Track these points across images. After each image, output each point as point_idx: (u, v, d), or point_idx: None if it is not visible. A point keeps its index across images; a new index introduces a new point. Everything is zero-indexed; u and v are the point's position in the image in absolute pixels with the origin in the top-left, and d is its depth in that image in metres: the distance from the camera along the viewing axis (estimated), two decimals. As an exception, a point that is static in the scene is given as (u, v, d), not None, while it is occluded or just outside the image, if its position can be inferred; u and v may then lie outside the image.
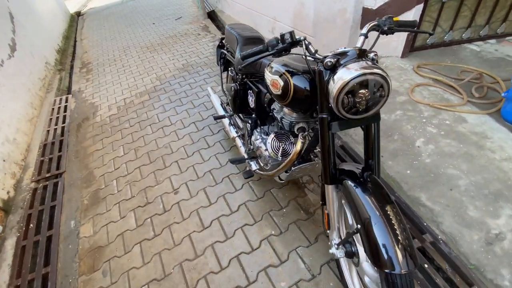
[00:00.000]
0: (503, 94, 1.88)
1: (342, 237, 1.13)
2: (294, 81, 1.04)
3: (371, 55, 0.86)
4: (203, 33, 4.82)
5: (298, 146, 1.17)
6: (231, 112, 1.91)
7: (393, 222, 0.80)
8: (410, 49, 2.74)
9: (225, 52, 1.96)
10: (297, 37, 0.97)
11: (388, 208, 0.84)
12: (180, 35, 4.92)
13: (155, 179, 2.05)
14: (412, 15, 2.44)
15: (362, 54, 0.85)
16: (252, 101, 1.53)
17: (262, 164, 1.52)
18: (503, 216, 1.34)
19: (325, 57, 0.92)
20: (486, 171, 1.54)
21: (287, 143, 1.30)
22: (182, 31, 5.07)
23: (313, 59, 0.98)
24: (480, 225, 1.33)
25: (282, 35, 0.98)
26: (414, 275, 1.21)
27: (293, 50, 1.01)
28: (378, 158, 0.97)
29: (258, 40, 1.70)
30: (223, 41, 2.11)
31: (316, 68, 0.93)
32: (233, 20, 4.84)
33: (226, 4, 5.17)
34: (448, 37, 2.80)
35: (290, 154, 1.26)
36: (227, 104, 2.21)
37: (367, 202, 0.85)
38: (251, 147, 1.64)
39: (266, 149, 1.40)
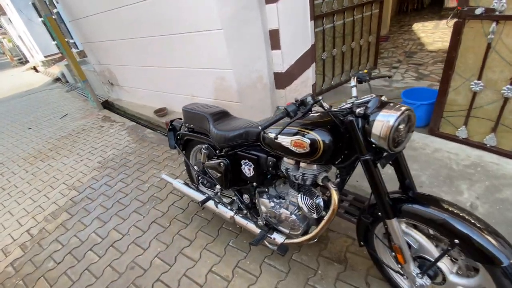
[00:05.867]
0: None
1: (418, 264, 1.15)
2: (320, 136, 1.11)
3: (383, 98, 1.06)
4: (107, 124, 4.36)
5: (335, 195, 1.19)
6: (217, 190, 1.75)
7: (474, 222, 0.93)
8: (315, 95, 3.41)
9: (185, 132, 1.87)
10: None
11: (458, 211, 0.97)
12: (77, 132, 4.26)
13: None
14: (310, 71, 3.12)
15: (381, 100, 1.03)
16: (250, 170, 1.47)
17: (287, 231, 1.43)
18: (464, 191, 1.76)
19: (349, 108, 1.06)
20: (431, 164, 2.01)
21: (314, 198, 1.31)
22: (77, 129, 4.42)
23: (330, 112, 1.10)
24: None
25: (302, 100, 1.07)
26: None
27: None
28: (411, 177, 1.13)
29: (223, 113, 1.73)
30: (174, 123, 2.02)
31: (345, 119, 1.04)
32: (137, 106, 4.66)
33: (124, 92, 4.99)
34: (334, 81, 3.70)
35: (327, 208, 1.26)
36: (198, 184, 2.01)
37: (444, 215, 0.96)
38: (264, 217, 1.52)
39: (292, 213, 1.35)
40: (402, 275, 1.21)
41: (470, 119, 2.10)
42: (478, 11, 1.68)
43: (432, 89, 2.57)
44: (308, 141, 1.12)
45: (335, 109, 1.12)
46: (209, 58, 2.98)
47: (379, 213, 1.17)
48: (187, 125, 1.83)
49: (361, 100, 1.06)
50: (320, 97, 1.09)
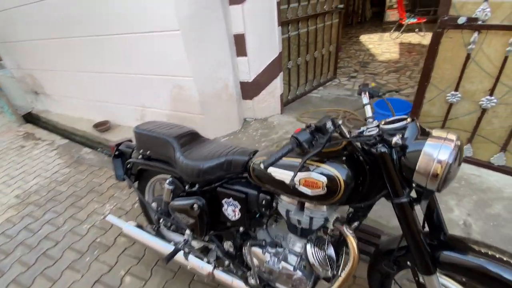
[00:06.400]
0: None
1: None
2: (338, 170, 0.83)
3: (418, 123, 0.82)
4: (30, 142, 3.49)
5: (355, 243, 0.92)
6: (186, 237, 1.33)
7: None
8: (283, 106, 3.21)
9: (139, 161, 1.42)
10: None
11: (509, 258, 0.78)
12: (-14, 156, 3.29)
13: None
14: (278, 81, 2.90)
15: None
16: (236, 211, 1.12)
17: (291, 291, 1.10)
18: (454, 207, 1.68)
19: (378, 136, 0.79)
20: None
21: (325, 247, 1.01)
22: (-14, 151, 3.43)
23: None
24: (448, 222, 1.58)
25: (318, 126, 0.78)
26: None
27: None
28: (442, 215, 0.92)
29: (192, 135, 1.35)
30: (121, 148, 1.55)
31: (374, 149, 0.78)
32: (71, 119, 3.86)
33: (53, 102, 4.11)
34: (298, 91, 3.55)
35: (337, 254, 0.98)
36: (158, 226, 1.55)
37: (501, 268, 0.75)
38: (256, 271, 1.17)
39: (296, 268, 1.03)
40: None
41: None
42: (460, 21, 1.63)
43: (404, 100, 2.57)
44: (324, 180, 0.83)
45: (354, 135, 0.86)
46: (164, 64, 2.52)
47: (408, 262, 0.94)
48: (141, 151, 1.39)
49: (391, 125, 0.80)
50: (339, 121, 0.81)
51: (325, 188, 0.83)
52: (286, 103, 3.33)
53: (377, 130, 0.82)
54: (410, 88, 3.67)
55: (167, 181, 1.28)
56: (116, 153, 1.54)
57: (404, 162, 0.76)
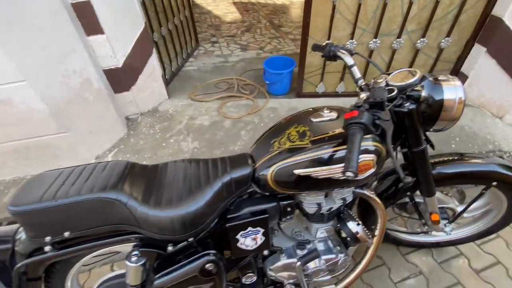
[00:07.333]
0: (266, 81, 2.59)
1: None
2: (372, 139, 0.79)
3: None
4: None
5: (382, 205, 0.95)
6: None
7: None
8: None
9: (45, 256, 0.79)
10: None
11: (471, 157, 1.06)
12: None
13: None
14: (154, 59, 2.36)
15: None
16: (257, 238, 0.87)
17: (329, 277, 1.02)
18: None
19: (404, 94, 0.77)
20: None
21: (355, 217, 0.97)
22: None
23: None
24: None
25: (377, 102, 0.67)
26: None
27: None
28: None
29: (134, 168, 0.87)
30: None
31: (405, 109, 0.77)
32: None
33: None
34: (173, 67, 3.08)
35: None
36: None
37: (470, 167, 1.01)
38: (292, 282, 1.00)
39: (335, 252, 0.96)
40: (425, 232, 1.25)
41: (325, 75, 2.46)
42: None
43: (287, 57, 2.75)
44: (373, 156, 0.76)
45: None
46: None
47: (408, 192, 1.09)
48: (48, 239, 0.75)
49: (406, 82, 0.79)
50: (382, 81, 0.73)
51: (375, 164, 0.77)
52: (167, 84, 2.82)
53: (395, 89, 0.79)
54: (269, 45, 4.00)
55: (132, 258, 0.77)
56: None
57: (429, 112, 0.79)
